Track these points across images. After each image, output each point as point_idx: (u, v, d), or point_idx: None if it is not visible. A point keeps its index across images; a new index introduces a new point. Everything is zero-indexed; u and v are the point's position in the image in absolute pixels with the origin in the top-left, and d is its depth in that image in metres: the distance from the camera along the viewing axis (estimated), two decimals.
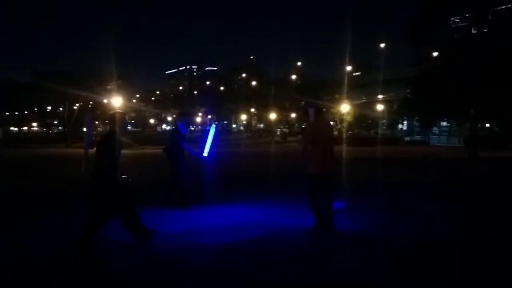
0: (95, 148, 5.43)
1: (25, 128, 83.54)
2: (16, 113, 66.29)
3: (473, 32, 21.61)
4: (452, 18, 23.98)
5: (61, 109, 49.28)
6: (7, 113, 67.00)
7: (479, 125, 28.34)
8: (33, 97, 43.42)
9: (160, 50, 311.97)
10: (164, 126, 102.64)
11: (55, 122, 62.97)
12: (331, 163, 6.34)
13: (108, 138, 5.46)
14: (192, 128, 72.21)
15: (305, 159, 6.30)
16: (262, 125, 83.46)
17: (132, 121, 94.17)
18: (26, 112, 63.82)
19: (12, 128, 76.52)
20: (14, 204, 8.89)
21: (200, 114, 78.61)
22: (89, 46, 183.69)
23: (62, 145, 37.38)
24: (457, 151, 25.87)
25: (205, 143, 8.35)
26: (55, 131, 65.88)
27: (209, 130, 8.73)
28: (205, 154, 8.34)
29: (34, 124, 78.14)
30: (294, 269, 4.85)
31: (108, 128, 5.88)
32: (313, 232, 6.20)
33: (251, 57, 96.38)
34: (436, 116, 23.79)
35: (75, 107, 42.52)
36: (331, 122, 36.02)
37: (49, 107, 56.83)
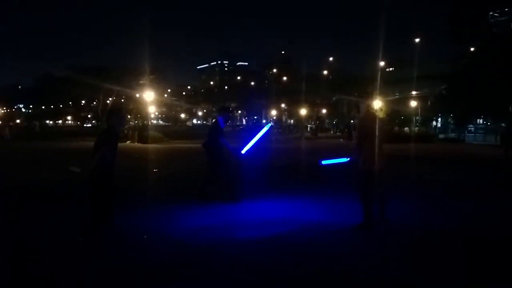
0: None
1: (60, 121, 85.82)
2: (51, 106, 68.09)
3: None
4: (491, 13, 23.26)
5: (94, 103, 50.20)
6: (43, 107, 68.98)
7: None
8: (68, 91, 44.22)
9: (192, 46, 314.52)
10: (194, 121, 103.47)
11: (89, 116, 64.26)
12: (382, 159, 6.21)
13: (107, 133, 5.62)
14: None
15: (357, 156, 6.22)
16: (292, 121, 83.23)
17: (163, 116, 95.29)
18: (61, 106, 65.37)
19: (47, 122, 78.77)
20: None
21: (231, 109, 78.92)
22: (123, 41, 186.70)
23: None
24: (494, 150, 25.03)
25: (251, 140, 8.08)
26: (89, 125, 67.26)
27: (262, 128, 8.51)
28: (243, 151, 8.11)
29: (69, 117, 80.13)
30: (323, 263, 4.79)
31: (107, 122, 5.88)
32: (361, 229, 6.06)
33: (282, 52, 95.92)
34: (473, 113, 23.14)
35: (108, 101, 43.26)
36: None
37: (83, 101, 57.97)
